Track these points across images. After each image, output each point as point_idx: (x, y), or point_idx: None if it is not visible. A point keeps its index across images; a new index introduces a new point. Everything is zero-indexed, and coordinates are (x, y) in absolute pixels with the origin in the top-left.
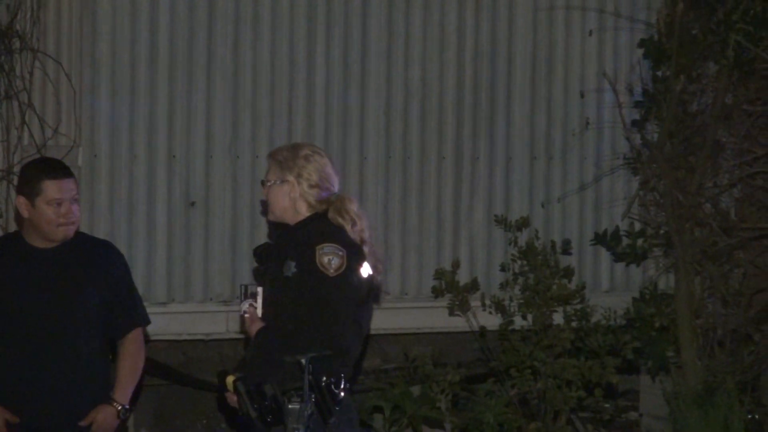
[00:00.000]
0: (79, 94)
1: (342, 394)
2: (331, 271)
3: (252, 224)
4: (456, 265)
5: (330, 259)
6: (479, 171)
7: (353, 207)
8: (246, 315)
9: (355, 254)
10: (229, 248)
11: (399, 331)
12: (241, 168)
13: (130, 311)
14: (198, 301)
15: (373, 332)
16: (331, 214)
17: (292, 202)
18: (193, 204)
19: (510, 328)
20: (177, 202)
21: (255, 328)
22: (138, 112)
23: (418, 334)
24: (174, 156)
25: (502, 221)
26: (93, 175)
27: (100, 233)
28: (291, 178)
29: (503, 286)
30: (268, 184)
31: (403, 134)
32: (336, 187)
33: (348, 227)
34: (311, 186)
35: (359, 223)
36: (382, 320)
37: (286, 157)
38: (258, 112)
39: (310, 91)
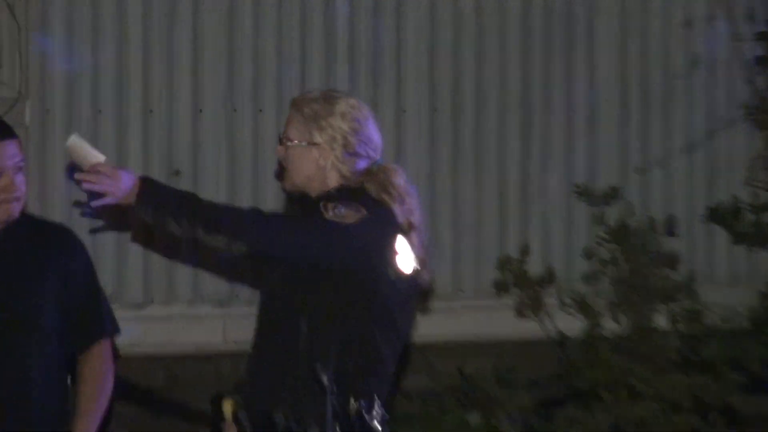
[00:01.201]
0: (24, 31)
1: (376, 422)
2: (339, 219)
3: (255, 198)
4: (525, 251)
5: (338, 209)
6: (554, 126)
7: (400, 180)
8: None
9: (393, 235)
10: None
11: (451, 339)
12: (239, 126)
13: (95, 317)
14: (185, 302)
15: (417, 342)
16: (370, 189)
17: (321, 171)
18: (177, 173)
19: (597, 333)
20: (156, 171)
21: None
22: (103, 54)
23: (476, 343)
24: (151, 111)
25: (584, 192)
26: (44, 136)
27: (55, 215)
28: (321, 140)
29: (587, 279)
30: (290, 143)
31: (453, 80)
32: (379, 154)
33: (395, 206)
34: (348, 153)
35: (408, 202)
36: (430, 326)
37: (317, 112)
38: (261, 52)
39: (329, 24)
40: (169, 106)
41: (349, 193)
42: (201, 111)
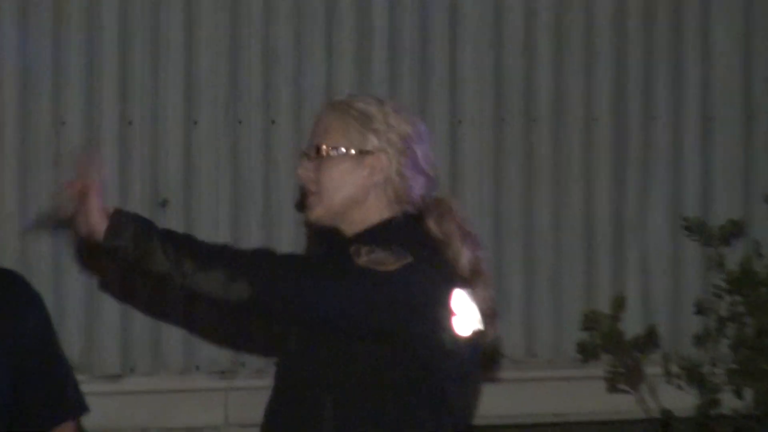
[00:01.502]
0: None
1: None
2: (376, 266)
3: (266, 237)
4: (619, 305)
5: (374, 253)
6: (656, 140)
7: (462, 215)
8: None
9: (449, 287)
10: None
11: (524, 419)
12: (244, 141)
13: (55, 394)
14: (176, 371)
15: (481, 421)
16: (429, 224)
17: (365, 190)
18: (164, 203)
19: (715, 412)
20: (138, 201)
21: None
22: (68, 46)
23: (556, 423)
24: (130, 123)
25: (696, 228)
26: None
27: (5, 257)
28: (377, 145)
29: (701, 341)
30: (333, 152)
31: (523, 82)
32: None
33: (456, 248)
34: (415, 169)
35: (472, 243)
36: (496, 400)
37: (375, 115)
38: (273, 47)
39: (363, 13)
40: (153, 116)
41: (396, 229)
42: (195, 122)
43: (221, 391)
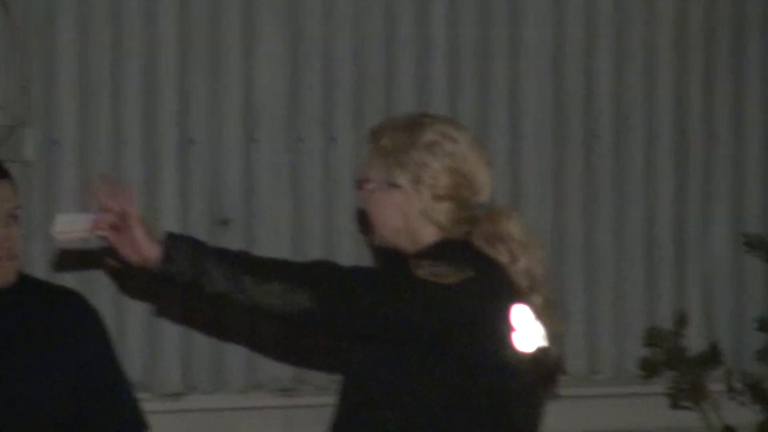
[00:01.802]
0: (24, 33)
1: None
2: (436, 278)
3: (327, 255)
4: (681, 321)
5: (435, 267)
6: (717, 157)
7: (515, 229)
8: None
9: (508, 302)
10: None
11: None
12: (305, 159)
13: (115, 412)
14: (238, 389)
15: None
16: (477, 241)
17: (408, 221)
18: (225, 223)
19: None
20: (197, 220)
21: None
22: (127, 63)
23: None
24: (191, 140)
25: (758, 244)
26: (51, 173)
27: (65, 276)
28: (404, 181)
29: (764, 357)
30: (369, 186)
31: (585, 97)
32: (486, 193)
33: (510, 263)
34: (437, 198)
35: (524, 259)
36: (558, 418)
37: (397, 144)
38: (334, 60)
39: (423, 28)
40: (213, 133)
41: (451, 248)
42: (256, 141)
43: (283, 408)
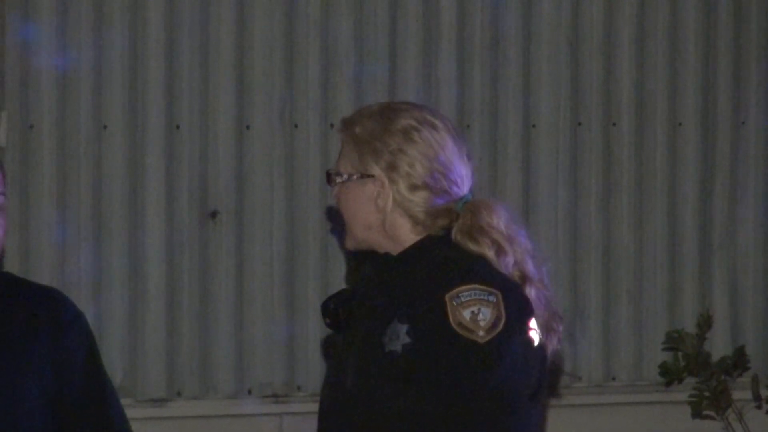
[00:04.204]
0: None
1: None
2: (481, 332)
3: (323, 249)
4: (705, 323)
5: (475, 311)
6: (745, 147)
7: (495, 220)
8: None
9: (516, 302)
10: (281, 296)
11: None
12: (300, 147)
13: (97, 419)
14: (226, 395)
15: None
16: (456, 236)
17: (381, 215)
18: (214, 215)
19: None
20: (185, 211)
21: None
22: (110, 45)
23: None
24: (178, 127)
25: None
26: (28, 160)
27: (43, 273)
28: (378, 170)
29: None
30: (339, 179)
31: (602, 83)
32: (465, 186)
33: (490, 257)
34: (413, 187)
35: (511, 250)
36: (574, 427)
37: (371, 131)
38: (332, 44)
39: (430, 9)
40: (203, 120)
41: (447, 249)
42: (248, 127)
43: (275, 416)
